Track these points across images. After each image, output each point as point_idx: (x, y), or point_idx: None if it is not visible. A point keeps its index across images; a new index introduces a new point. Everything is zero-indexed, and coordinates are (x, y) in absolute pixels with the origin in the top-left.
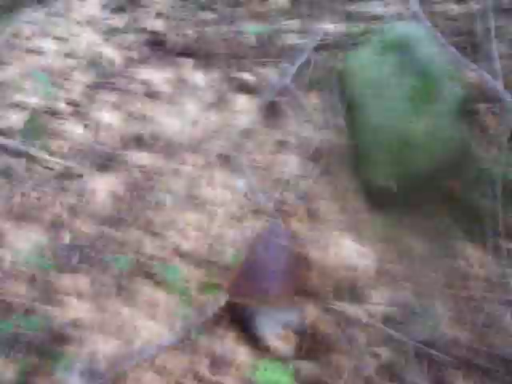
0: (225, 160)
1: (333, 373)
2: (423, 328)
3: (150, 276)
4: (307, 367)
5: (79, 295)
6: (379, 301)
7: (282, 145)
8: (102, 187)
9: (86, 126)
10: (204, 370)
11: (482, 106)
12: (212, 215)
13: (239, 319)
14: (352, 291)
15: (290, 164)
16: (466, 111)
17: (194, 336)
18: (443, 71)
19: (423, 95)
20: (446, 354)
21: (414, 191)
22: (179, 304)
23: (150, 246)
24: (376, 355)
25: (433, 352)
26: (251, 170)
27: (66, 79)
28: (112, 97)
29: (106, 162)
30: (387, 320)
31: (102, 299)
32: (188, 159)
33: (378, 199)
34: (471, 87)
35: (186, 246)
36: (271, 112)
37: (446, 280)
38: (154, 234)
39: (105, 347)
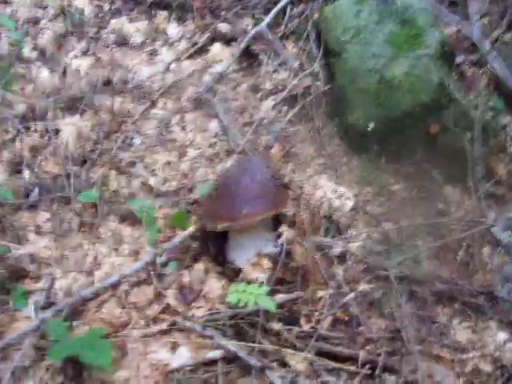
0: (197, 104)
1: (309, 300)
2: (403, 261)
3: (114, 211)
4: (282, 293)
5: (38, 230)
6: (358, 236)
7: (256, 89)
8: (67, 128)
9: (51, 70)
10: (171, 300)
11: (460, 55)
12: (182, 155)
13: (210, 248)
14: (330, 228)
15: (265, 107)
16: (446, 58)
17: (160, 267)
18: (423, 19)
19: (403, 40)
20: (426, 287)
21: (393, 134)
22: (146, 236)
23: (115, 182)
24: (355, 285)
25: (413, 286)
26: (225, 112)
27: (33, 27)
28: (81, 44)
29: (71, 104)
30: (367, 253)
31: (62, 234)
32: (159, 103)
33: (356, 143)
34: (450, 36)
35: (153, 181)
36: (246, 58)
37: (425, 219)
38: (121, 172)
39: (63, 280)
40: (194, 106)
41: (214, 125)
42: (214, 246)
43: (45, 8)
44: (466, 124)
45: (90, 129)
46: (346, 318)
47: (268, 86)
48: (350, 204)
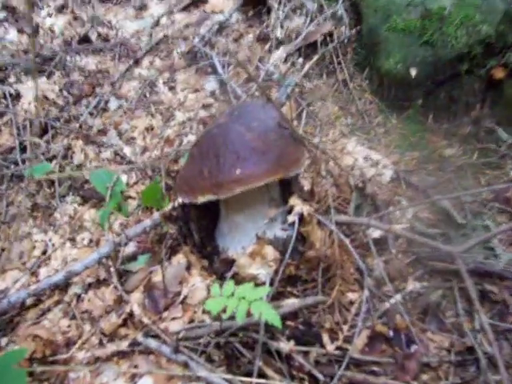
0: (192, 60)
1: (335, 306)
2: (469, 249)
3: (75, 190)
4: (294, 297)
5: None
6: (402, 215)
7: (264, 39)
8: (29, 92)
9: (21, 30)
10: (136, 307)
11: None
12: (168, 119)
13: (193, 234)
14: (363, 204)
15: (275, 60)
16: None
17: (125, 261)
18: None
19: None
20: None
21: (443, 83)
22: (114, 216)
23: (81, 154)
24: (401, 284)
25: (486, 284)
26: (225, 67)
27: None
28: (56, 2)
29: (39, 66)
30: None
31: (9, 220)
32: (144, 61)
33: (394, 97)
34: None
35: (129, 151)
36: (252, 6)
37: (494, 192)
38: (89, 141)
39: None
40: (187, 63)
41: (210, 83)
42: (198, 231)
43: None
44: None
45: (57, 93)
46: (391, 333)
47: (279, 34)
48: (388, 174)
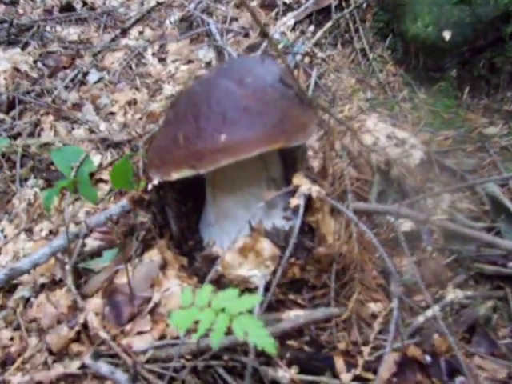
0: (185, 29)
1: (352, 321)
2: None
3: (39, 172)
4: (298, 309)
5: None
6: (436, 203)
7: (270, 5)
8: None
9: None
10: (93, 317)
11: None
12: (155, 92)
13: (171, 224)
14: (388, 190)
15: (282, 27)
16: None
17: (86, 258)
18: None
19: None
20: None
21: (482, 49)
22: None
23: (50, 131)
24: (438, 291)
25: None
26: (223, 35)
27: None
28: None
29: (14, 37)
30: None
31: None
32: (132, 31)
33: (422, 66)
34: None
35: (105, 127)
36: None
37: None
38: (61, 117)
39: None
40: (180, 32)
41: (206, 53)
42: (177, 220)
43: None
44: None
45: (30, 65)
46: (427, 359)
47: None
48: (418, 155)
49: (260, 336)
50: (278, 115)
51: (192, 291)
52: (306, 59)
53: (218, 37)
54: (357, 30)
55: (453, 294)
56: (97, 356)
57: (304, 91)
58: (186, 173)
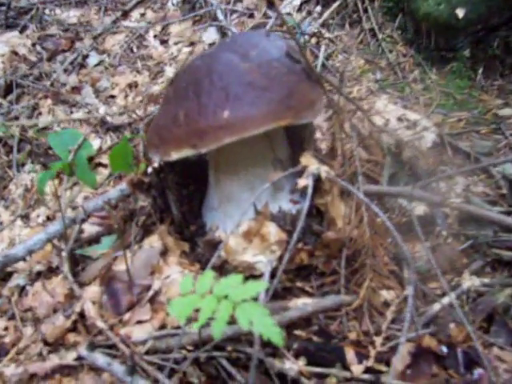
0: (189, 10)
1: (364, 309)
2: None
3: (36, 157)
4: (306, 296)
5: None
6: (451, 187)
7: None
8: None
9: None
10: (90, 306)
11: None
12: (156, 74)
13: (172, 208)
14: (400, 173)
15: (287, 7)
16: None
17: (83, 245)
18: None
19: None
20: None
21: (498, 27)
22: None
23: (48, 114)
24: (454, 278)
25: None
26: (227, 15)
27: None
28: None
29: (12, 20)
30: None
31: None
32: (134, 13)
33: (434, 46)
34: None
35: (105, 110)
36: None
37: None
38: (60, 101)
39: None
40: (182, 13)
41: (210, 35)
42: (178, 204)
43: None
44: None
45: (29, 48)
46: (443, 350)
47: None
48: (430, 137)
49: (266, 325)
50: (284, 91)
51: (193, 278)
52: (313, 40)
53: (221, 17)
54: (365, 10)
55: (469, 282)
56: (92, 347)
57: (312, 66)
58: (186, 152)
